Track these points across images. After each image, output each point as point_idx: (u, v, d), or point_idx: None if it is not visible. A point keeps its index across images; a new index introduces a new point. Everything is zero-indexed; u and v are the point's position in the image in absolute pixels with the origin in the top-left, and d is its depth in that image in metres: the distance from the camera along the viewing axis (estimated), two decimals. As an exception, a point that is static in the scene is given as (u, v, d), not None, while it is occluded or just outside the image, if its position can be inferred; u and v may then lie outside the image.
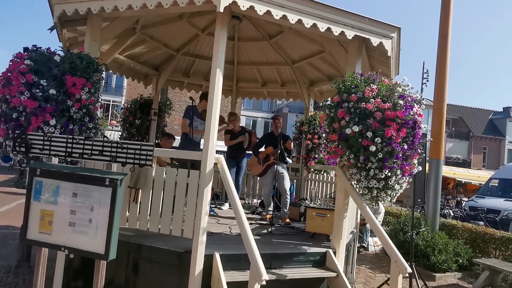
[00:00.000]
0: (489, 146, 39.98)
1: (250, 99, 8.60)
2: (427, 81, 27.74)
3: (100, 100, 3.96)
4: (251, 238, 3.08)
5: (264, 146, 5.97)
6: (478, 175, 25.39)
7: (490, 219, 10.99)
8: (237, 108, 8.01)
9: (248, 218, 5.63)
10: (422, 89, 27.66)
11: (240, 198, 7.41)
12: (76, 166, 3.49)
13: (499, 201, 12.06)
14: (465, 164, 36.81)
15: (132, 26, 5.18)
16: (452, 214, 11.37)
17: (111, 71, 6.72)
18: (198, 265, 3.30)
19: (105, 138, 2.95)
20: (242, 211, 3.30)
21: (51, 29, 4.42)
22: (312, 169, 6.91)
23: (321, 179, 6.79)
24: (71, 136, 3.04)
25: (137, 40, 5.82)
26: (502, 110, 42.18)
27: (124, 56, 6.37)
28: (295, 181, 7.22)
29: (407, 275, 3.39)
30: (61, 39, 4.84)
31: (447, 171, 26.16)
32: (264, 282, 2.80)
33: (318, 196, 6.00)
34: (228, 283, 3.16)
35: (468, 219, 10.74)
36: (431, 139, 6.09)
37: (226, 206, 6.36)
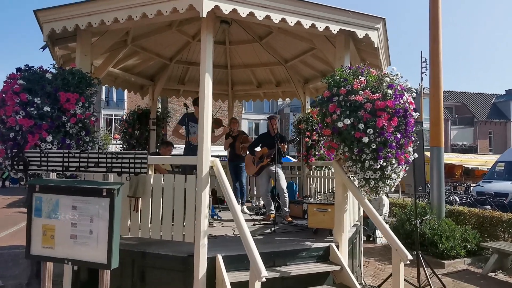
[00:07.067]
0: (494, 130, 39.63)
1: (246, 101, 8.65)
2: (426, 69, 27.58)
3: (95, 113, 4.02)
4: (249, 237, 3.11)
5: (260, 146, 6.02)
6: (485, 160, 25.22)
7: (498, 203, 10.91)
8: (239, 111, 8.06)
9: (252, 220, 5.76)
10: (421, 78, 27.55)
11: (247, 201, 7.46)
12: (75, 179, 3.56)
13: (507, 184, 11.98)
14: (472, 150, 36.55)
15: (123, 38, 5.25)
16: (458, 200, 11.30)
17: (107, 85, 6.81)
18: (201, 268, 3.34)
19: (99, 150, 3.01)
20: (239, 210, 3.34)
21: (43, 48, 4.50)
22: (314, 166, 6.93)
23: (323, 175, 6.81)
24: (66, 151, 3.10)
25: (129, 52, 5.89)
26: (505, 93, 41.82)
27: (118, 69, 6.45)
28: (297, 179, 7.25)
29: (408, 262, 3.39)
30: (54, 57, 4.93)
31: (453, 158, 26.01)
32: (264, 279, 2.83)
33: (317, 192, 6.01)
34: (232, 284, 3.20)
35: (476, 204, 10.67)
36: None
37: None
